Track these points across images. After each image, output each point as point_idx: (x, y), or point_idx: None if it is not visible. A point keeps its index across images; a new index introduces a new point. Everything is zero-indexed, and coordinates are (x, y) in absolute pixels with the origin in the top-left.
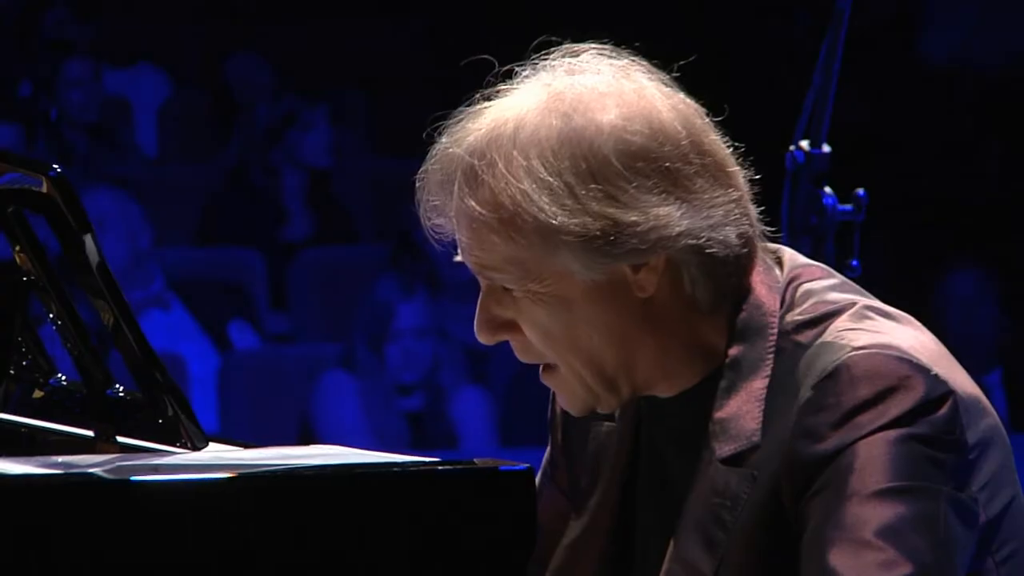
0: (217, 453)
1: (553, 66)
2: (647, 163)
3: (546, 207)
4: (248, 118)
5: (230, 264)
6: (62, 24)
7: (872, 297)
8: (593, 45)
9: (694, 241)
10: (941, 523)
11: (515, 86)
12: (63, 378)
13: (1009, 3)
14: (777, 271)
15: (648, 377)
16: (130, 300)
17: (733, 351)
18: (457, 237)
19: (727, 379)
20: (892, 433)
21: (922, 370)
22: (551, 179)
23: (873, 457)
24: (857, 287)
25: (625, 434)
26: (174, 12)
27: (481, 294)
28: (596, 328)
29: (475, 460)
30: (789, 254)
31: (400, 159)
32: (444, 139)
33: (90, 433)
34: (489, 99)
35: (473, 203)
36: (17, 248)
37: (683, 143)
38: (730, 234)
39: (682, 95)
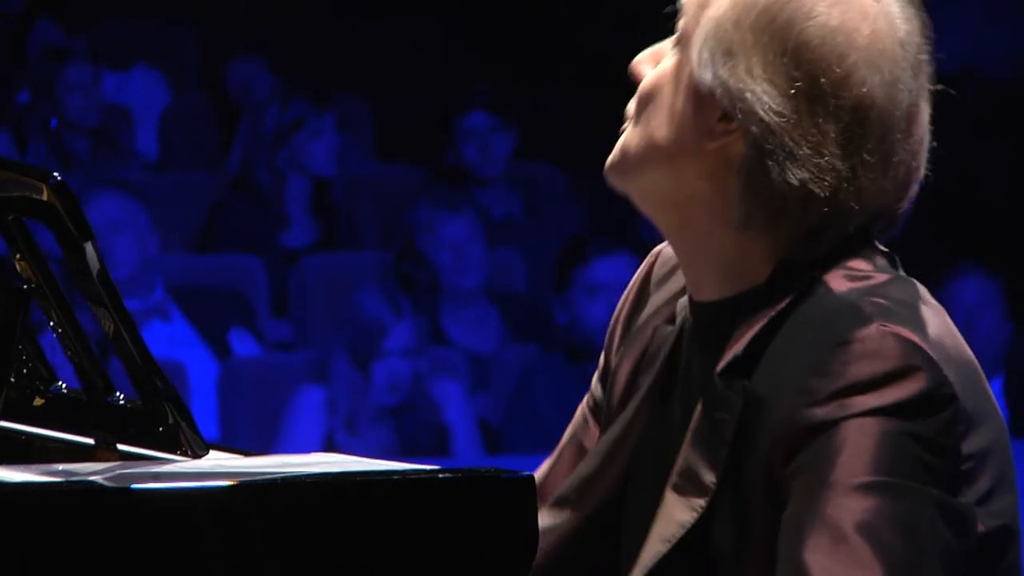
0: (217, 461)
1: None
2: (812, 62)
3: (724, 4)
4: (249, 124)
5: (230, 271)
6: (60, 30)
7: (922, 289)
8: None
9: (763, 141)
10: (924, 526)
11: None
12: (63, 386)
13: (1014, 10)
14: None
15: (687, 222)
16: (132, 309)
17: (776, 277)
18: None
19: (755, 300)
20: (886, 423)
21: (933, 366)
22: (753, 9)
23: (862, 445)
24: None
25: (673, 344)
26: (174, 15)
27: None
28: (671, 123)
29: (476, 468)
30: (882, 264)
31: (404, 166)
32: None
33: (90, 441)
34: None
35: None
36: (17, 255)
37: (854, 90)
38: (795, 175)
39: (920, 82)
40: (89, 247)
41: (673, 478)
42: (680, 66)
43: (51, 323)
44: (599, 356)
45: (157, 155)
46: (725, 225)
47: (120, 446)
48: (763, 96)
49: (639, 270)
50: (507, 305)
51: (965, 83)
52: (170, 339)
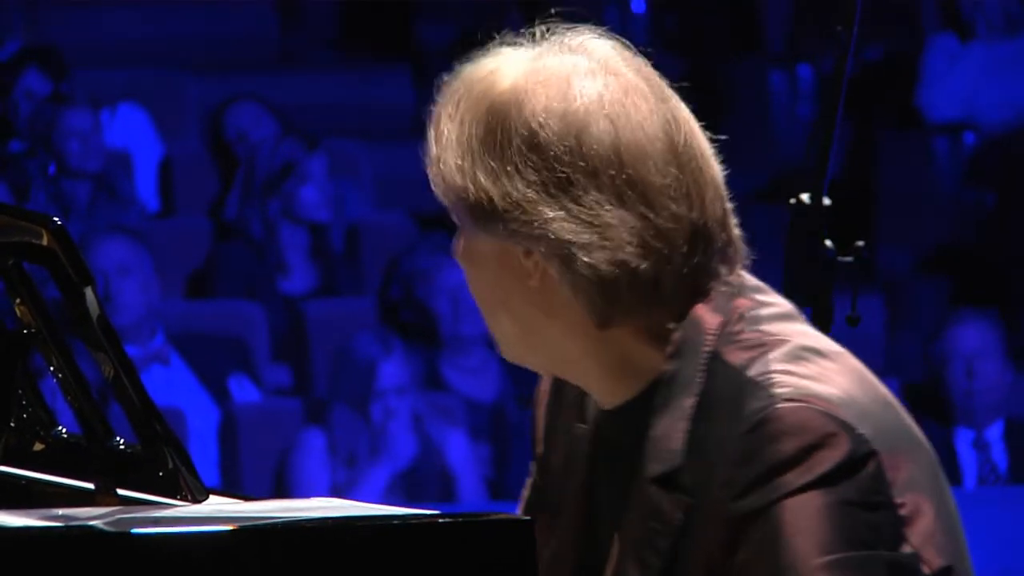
0: (217, 506)
1: (567, 38)
2: (546, 159)
3: (450, 160)
4: (252, 170)
5: (230, 317)
6: (54, 76)
7: (815, 333)
8: (617, 39)
9: (558, 249)
10: None
11: (529, 43)
12: (63, 430)
13: (1008, 58)
14: (731, 301)
15: (562, 363)
16: (132, 355)
17: (667, 367)
18: None
19: (660, 396)
20: (820, 498)
21: (847, 428)
22: (465, 139)
23: (803, 526)
24: (804, 320)
25: (591, 443)
26: (175, 62)
27: None
28: (494, 295)
29: (476, 512)
30: (751, 284)
31: (402, 212)
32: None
33: (90, 486)
34: (511, 44)
35: (431, 131)
36: (17, 301)
37: (608, 155)
38: (600, 258)
39: (669, 107)
40: (89, 292)
41: None
42: (468, 247)
43: (51, 368)
44: None
45: (156, 201)
46: (589, 337)
47: (120, 491)
48: (529, 216)
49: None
50: None
51: (964, 131)
52: (170, 385)
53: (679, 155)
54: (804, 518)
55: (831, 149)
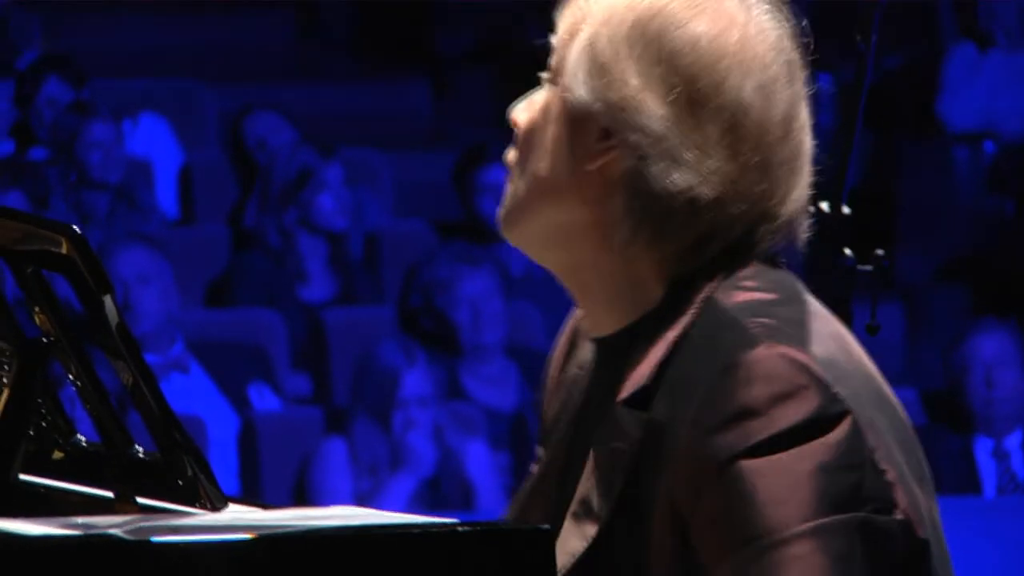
0: (236, 514)
1: None
2: (688, 70)
3: (612, 25)
4: (269, 178)
5: (250, 326)
6: (76, 86)
7: (814, 308)
8: None
9: (645, 148)
10: (858, 556)
11: None
12: (83, 439)
13: None
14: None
15: (575, 259)
16: (151, 363)
17: (664, 301)
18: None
19: (647, 326)
20: (794, 461)
21: (821, 384)
22: (617, 15)
23: (773, 491)
24: (808, 301)
25: (583, 391)
26: (194, 71)
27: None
28: (549, 150)
29: (495, 521)
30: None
31: (422, 221)
32: None
33: (110, 494)
34: None
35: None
36: (37, 309)
37: (735, 92)
38: (678, 181)
39: (799, 90)
40: (108, 300)
41: (572, 507)
42: (552, 98)
43: (70, 376)
44: None
45: (176, 209)
46: (611, 250)
47: (139, 499)
48: (642, 105)
49: (568, 323)
50: (527, 361)
51: (984, 140)
52: (190, 393)
53: (790, 140)
54: (778, 483)
55: (851, 158)
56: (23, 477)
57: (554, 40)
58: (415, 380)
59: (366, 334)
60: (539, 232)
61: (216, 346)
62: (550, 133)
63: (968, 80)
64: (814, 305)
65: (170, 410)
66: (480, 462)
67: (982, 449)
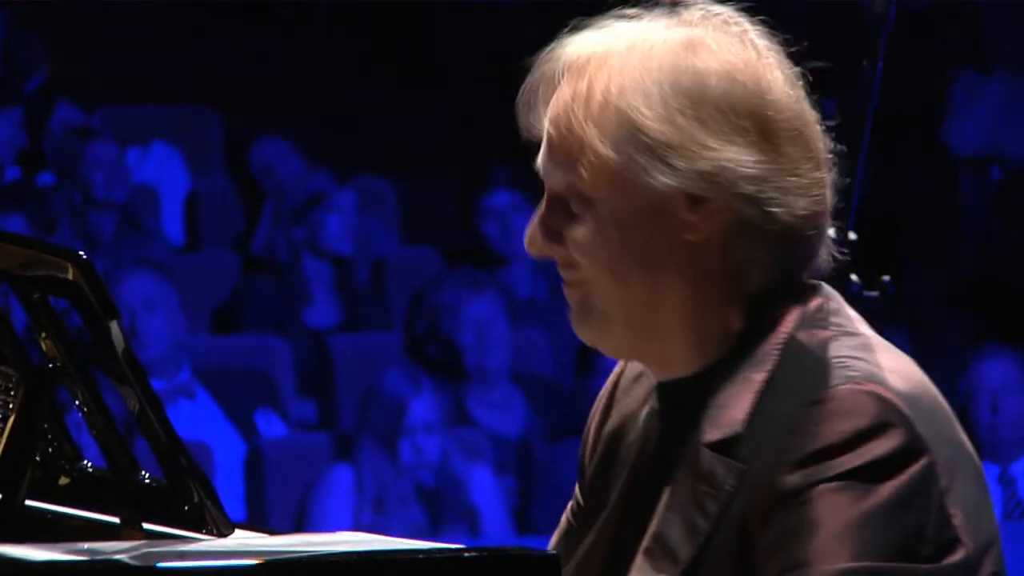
0: (243, 540)
1: (690, 9)
2: (745, 107)
3: (636, 103)
4: (278, 199)
5: (256, 352)
6: (81, 110)
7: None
8: (732, 7)
9: (758, 191)
10: None
11: (645, 14)
12: (89, 464)
13: None
14: (812, 293)
15: (669, 330)
16: (158, 389)
17: (744, 338)
18: (545, 133)
19: (731, 365)
20: (863, 496)
21: (905, 422)
22: (649, 85)
23: (836, 522)
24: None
25: (642, 442)
26: (198, 96)
27: (541, 204)
28: (636, 250)
29: (502, 547)
30: (827, 288)
31: (427, 246)
32: (564, 40)
33: (116, 520)
34: (621, 18)
35: (569, 91)
36: (43, 335)
37: (787, 108)
38: (799, 203)
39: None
40: (115, 326)
41: (645, 542)
42: (598, 201)
43: (76, 402)
44: None
45: (182, 236)
46: (699, 301)
47: (146, 525)
48: (732, 160)
49: (609, 379)
50: (532, 386)
51: (990, 165)
52: (196, 419)
53: (816, 122)
54: (840, 515)
55: (856, 183)
56: (29, 503)
57: (549, 153)
58: (422, 407)
59: (372, 360)
60: (641, 324)
61: (223, 372)
62: (621, 229)
63: (973, 105)
64: (879, 338)
65: (176, 436)
66: (485, 488)
67: (988, 475)
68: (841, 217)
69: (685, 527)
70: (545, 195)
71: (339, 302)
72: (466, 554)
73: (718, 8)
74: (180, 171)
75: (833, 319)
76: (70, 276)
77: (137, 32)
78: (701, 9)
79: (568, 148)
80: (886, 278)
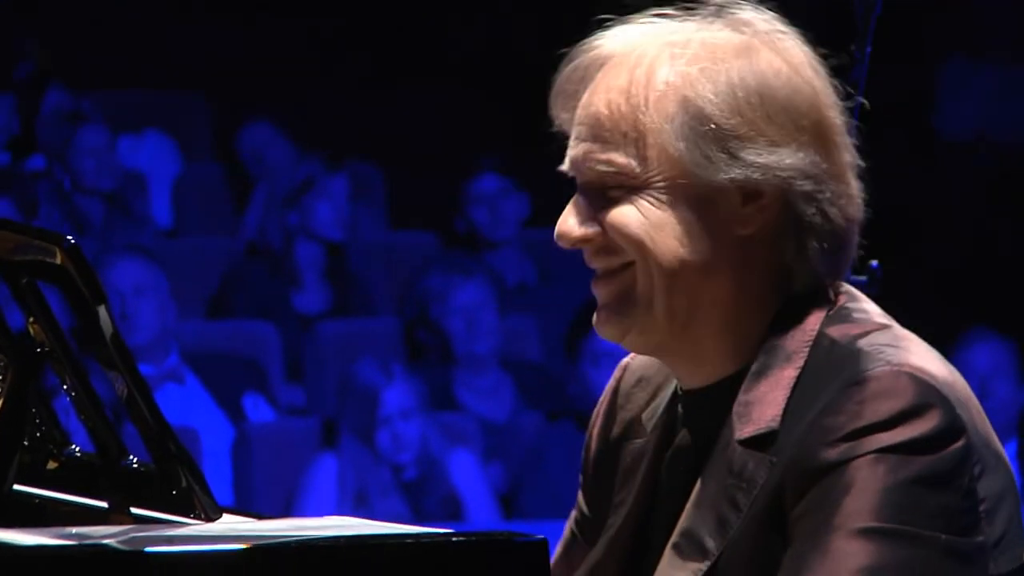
0: (231, 524)
1: (731, 17)
2: (806, 109)
3: (704, 91)
4: (262, 190)
5: (245, 337)
6: (71, 96)
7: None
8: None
9: (816, 191)
10: (930, 571)
11: (685, 15)
12: (77, 449)
13: (1021, 79)
14: (831, 292)
15: (707, 324)
16: (146, 374)
17: (772, 338)
18: (579, 126)
19: (760, 363)
20: (896, 464)
21: (947, 404)
22: (718, 74)
23: (869, 488)
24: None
25: (656, 445)
26: (187, 82)
27: (575, 197)
28: (685, 239)
29: (489, 532)
30: (846, 285)
31: (416, 232)
32: (599, 36)
33: (104, 504)
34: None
35: (626, 75)
36: (31, 319)
37: (837, 117)
38: (850, 209)
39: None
40: (103, 311)
41: (673, 537)
42: (652, 187)
43: (64, 387)
44: None
45: (170, 221)
46: (744, 300)
47: (134, 509)
48: (790, 156)
49: (608, 385)
50: (520, 372)
51: (978, 150)
52: (184, 404)
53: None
54: (871, 481)
55: None
56: (17, 487)
57: (592, 141)
58: (407, 393)
59: (360, 346)
60: (682, 316)
61: (211, 357)
62: (669, 226)
63: (962, 91)
64: (906, 331)
65: (165, 421)
66: (473, 473)
67: None
68: None
69: (716, 521)
70: (580, 185)
71: (328, 288)
72: (454, 538)
73: (764, 14)
74: (169, 157)
75: (858, 316)
76: (58, 261)
77: (126, 18)
78: (748, 15)
79: (624, 133)
80: (874, 263)
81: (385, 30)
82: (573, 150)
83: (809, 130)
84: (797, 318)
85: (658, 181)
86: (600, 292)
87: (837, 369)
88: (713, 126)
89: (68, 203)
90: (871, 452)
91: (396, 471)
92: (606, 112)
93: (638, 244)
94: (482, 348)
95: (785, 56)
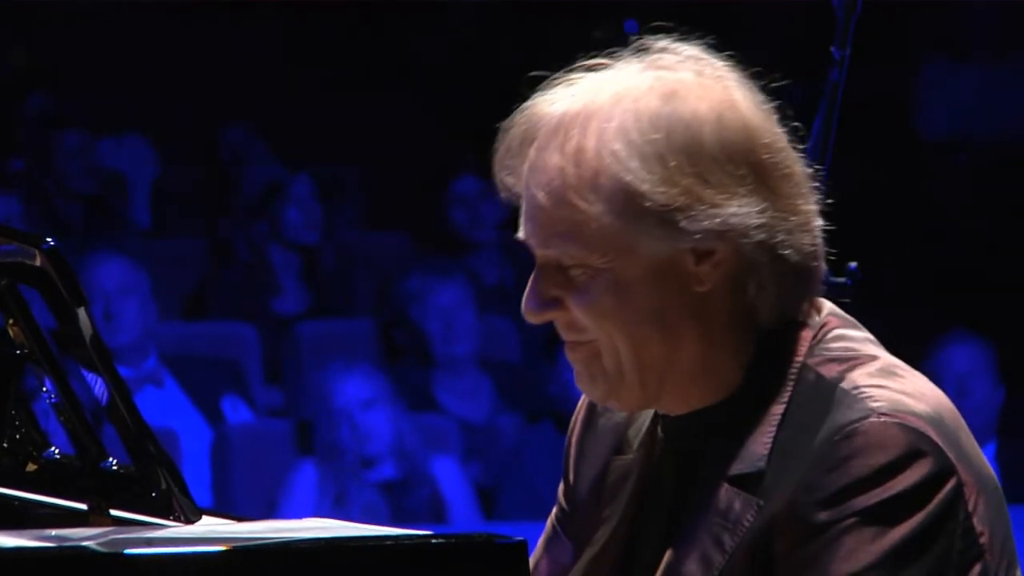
0: (210, 526)
1: (655, 54)
2: (740, 153)
3: (634, 169)
4: (240, 192)
5: (223, 339)
6: (52, 98)
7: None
8: (697, 44)
9: (769, 238)
10: None
11: (613, 63)
12: (57, 451)
13: (1002, 78)
14: (816, 315)
15: (677, 379)
16: (125, 376)
17: (754, 368)
18: (525, 203)
19: (745, 399)
20: (890, 530)
21: (935, 449)
22: (644, 145)
23: (867, 554)
24: (883, 347)
25: (643, 463)
26: (167, 86)
27: (535, 272)
28: (646, 311)
29: (469, 533)
30: (829, 305)
31: (393, 233)
32: (535, 99)
33: (83, 506)
34: (588, 71)
35: (556, 158)
36: (11, 321)
37: (776, 146)
38: (804, 240)
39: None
40: (82, 312)
41: (659, 573)
42: (603, 268)
43: (44, 389)
44: None
45: (151, 222)
46: (713, 341)
47: (113, 511)
48: (738, 211)
49: (582, 401)
50: (499, 373)
51: (959, 150)
52: (163, 406)
53: (795, 152)
54: (871, 548)
55: (825, 169)
56: None
57: (538, 223)
58: (385, 394)
59: (339, 347)
60: (656, 380)
61: (190, 359)
62: (628, 304)
63: (943, 92)
64: (891, 358)
65: (144, 423)
66: (452, 474)
67: None
68: None
69: (700, 559)
70: (537, 262)
71: (306, 289)
72: (433, 540)
73: (688, 48)
74: (149, 158)
75: (843, 344)
76: (37, 263)
77: (108, 20)
78: (672, 51)
79: (565, 218)
80: (853, 264)
81: (366, 31)
82: (523, 228)
83: (748, 175)
84: (779, 348)
85: (609, 261)
86: (572, 359)
87: (823, 413)
88: (648, 204)
89: (48, 205)
90: (860, 512)
91: (374, 468)
92: (545, 200)
93: (600, 328)
94: (461, 349)
95: (713, 98)
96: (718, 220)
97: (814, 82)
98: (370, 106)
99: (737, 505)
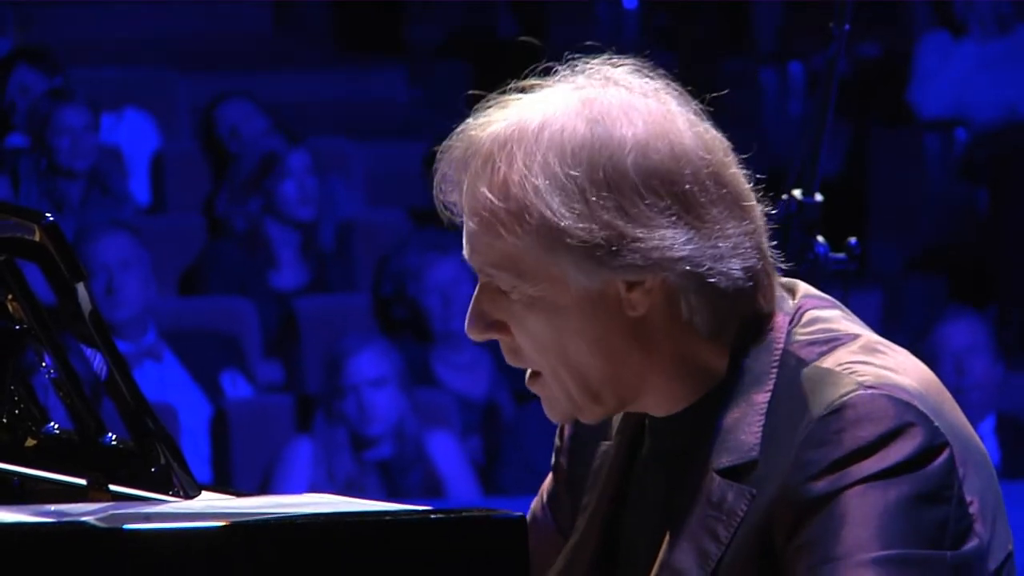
0: (209, 502)
1: (589, 73)
2: (663, 184)
3: (555, 206)
4: (238, 167)
5: (222, 314)
6: (47, 74)
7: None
8: (631, 61)
9: (695, 268)
10: None
11: (548, 83)
12: (56, 426)
13: (999, 56)
14: (789, 300)
15: (635, 392)
16: (124, 352)
17: (737, 363)
18: (464, 228)
19: (729, 390)
20: (888, 489)
21: (925, 419)
22: (565, 180)
23: (866, 516)
24: (864, 324)
25: (621, 451)
26: (165, 60)
27: (476, 291)
28: (583, 339)
29: (468, 509)
30: (803, 287)
31: (392, 209)
32: (471, 120)
33: (83, 481)
34: (522, 91)
35: (484, 190)
36: (9, 296)
37: (703, 171)
38: (734, 266)
39: (708, 125)
40: (81, 288)
41: (655, 571)
42: (535, 298)
43: (43, 364)
44: None
45: (148, 198)
46: (668, 354)
47: (112, 487)
48: (662, 242)
49: (556, 440)
50: (498, 348)
51: (955, 128)
52: (162, 381)
53: (733, 166)
54: (866, 509)
55: (823, 146)
56: None
57: (473, 249)
58: (379, 368)
59: (338, 322)
60: (611, 398)
61: (189, 334)
62: (564, 333)
63: (940, 68)
64: (872, 335)
65: (143, 398)
66: (451, 449)
67: None
68: (807, 179)
69: (696, 554)
70: (480, 281)
71: (305, 264)
72: (432, 515)
73: (623, 65)
74: (147, 133)
75: (820, 326)
76: (36, 238)
77: None
78: (605, 70)
79: (497, 248)
80: (852, 240)
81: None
82: (464, 247)
83: (672, 206)
84: (758, 334)
85: (542, 290)
86: (530, 387)
87: (810, 393)
88: (569, 240)
89: (47, 181)
90: (859, 481)
91: (373, 446)
92: (477, 229)
93: (543, 359)
94: (459, 325)
95: (641, 123)
96: (638, 256)
97: (812, 61)
98: (370, 82)
99: (730, 496)
